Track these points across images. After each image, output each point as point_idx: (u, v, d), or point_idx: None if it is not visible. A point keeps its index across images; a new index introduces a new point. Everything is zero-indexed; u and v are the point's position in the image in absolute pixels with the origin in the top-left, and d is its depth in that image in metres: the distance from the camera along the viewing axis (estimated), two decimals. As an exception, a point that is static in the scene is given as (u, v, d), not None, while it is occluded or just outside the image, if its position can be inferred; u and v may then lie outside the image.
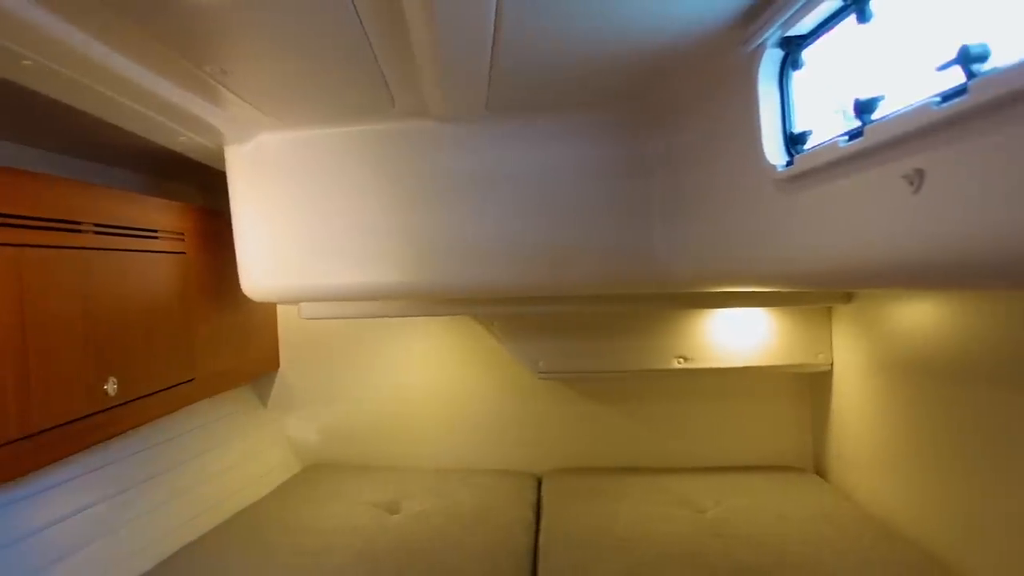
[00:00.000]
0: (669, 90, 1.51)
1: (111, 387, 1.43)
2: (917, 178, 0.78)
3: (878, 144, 0.84)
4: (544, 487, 2.14)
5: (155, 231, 1.69)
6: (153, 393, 1.62)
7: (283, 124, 1.70)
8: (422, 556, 1.64)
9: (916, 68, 0.82)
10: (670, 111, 1.57)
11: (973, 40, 0.71)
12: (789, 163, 1.10)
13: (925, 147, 0.77)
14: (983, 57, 0.69)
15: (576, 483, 2.12)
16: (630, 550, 1.61)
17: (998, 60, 0.69)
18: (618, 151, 1.69)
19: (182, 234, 1.81)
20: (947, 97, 0.72)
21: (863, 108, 0.90)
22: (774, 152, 1.13)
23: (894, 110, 0.83)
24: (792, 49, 1.11)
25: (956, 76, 0.73)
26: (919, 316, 1.60)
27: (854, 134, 0.90)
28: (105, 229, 1.50)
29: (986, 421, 1.35)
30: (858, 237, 0.93)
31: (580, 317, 2.11)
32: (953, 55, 0.71)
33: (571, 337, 2.11)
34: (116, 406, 1.46)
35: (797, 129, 1.11)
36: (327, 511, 1.92)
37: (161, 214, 1.74)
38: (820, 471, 2.19)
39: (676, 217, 1.63)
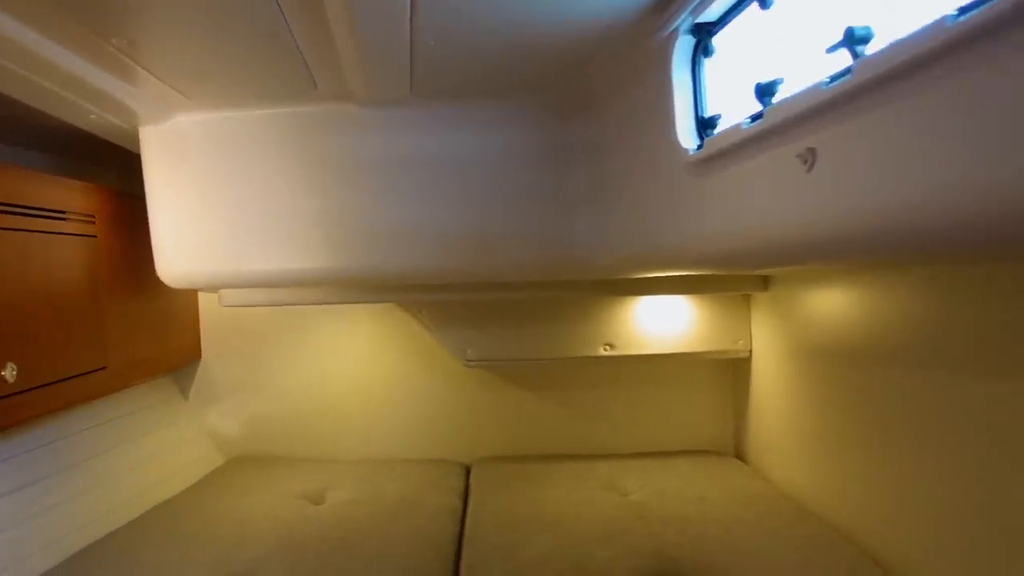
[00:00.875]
0: (591, 78, 1.53)
1: (9, 373, 1.36)
2: (810, 157, 0.82)
3: (775, 125, 0.87)
4: (472, 475, 2.14)
5: (63, 212, 1.62)
6: (59, 381, 1.55)
7: (200, 105, 1.65)
8: (345, 544, 1.62)
9: (812, 52, 0.85)
10: (592, 99, 1.60)
11: (859, 23, 0.74)
12: (700, 147, 1.13)
13: (816, 127, 0.80)
14: (866, 39, 0.73)
15: (504, 470, 2.13)
16: (555, 532, 1.63)
17: (882, 42, 0.72)
18: (542, 138, 1.70)
19: (93, 217, 1.73)
20: (835, 78, 0.75)
21: (763, 91, 0.93)
22: (686, 136, 1.16)
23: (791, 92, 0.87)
24: (703, 36, 1.14)
25: (845, 58, 0.76)
26: (830, 303, 1.67)
27: (756, 116, 0.94)
28: (5, 208, 1.43)
29: (889, 401, 1.42)
30: (761, 217, 0.96)
31: (508, 305, 2.11)
32: (840, 38, 0.75)
33: (499, 325, 2.12)
34: (15, 393, 1.39)
35: (708, 114, 1.14)
36: (248, 503, 1.87)
37: (70, 195, 1.67)
38: (740, 455, 2.26)
39: (598, 204, 1.65)
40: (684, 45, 1.16)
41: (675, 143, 1.18)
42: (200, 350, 2.33)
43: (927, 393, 1.29)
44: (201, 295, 2.33)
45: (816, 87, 0.78)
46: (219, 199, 1.71)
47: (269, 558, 1.53)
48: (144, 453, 2.02)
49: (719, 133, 1.05)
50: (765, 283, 1.97)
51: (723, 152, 1.03)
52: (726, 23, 1.09)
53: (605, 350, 2.12)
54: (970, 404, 1.18)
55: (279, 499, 1.91)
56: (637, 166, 1.41)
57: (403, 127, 1.72)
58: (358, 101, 1.68)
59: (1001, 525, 1.10)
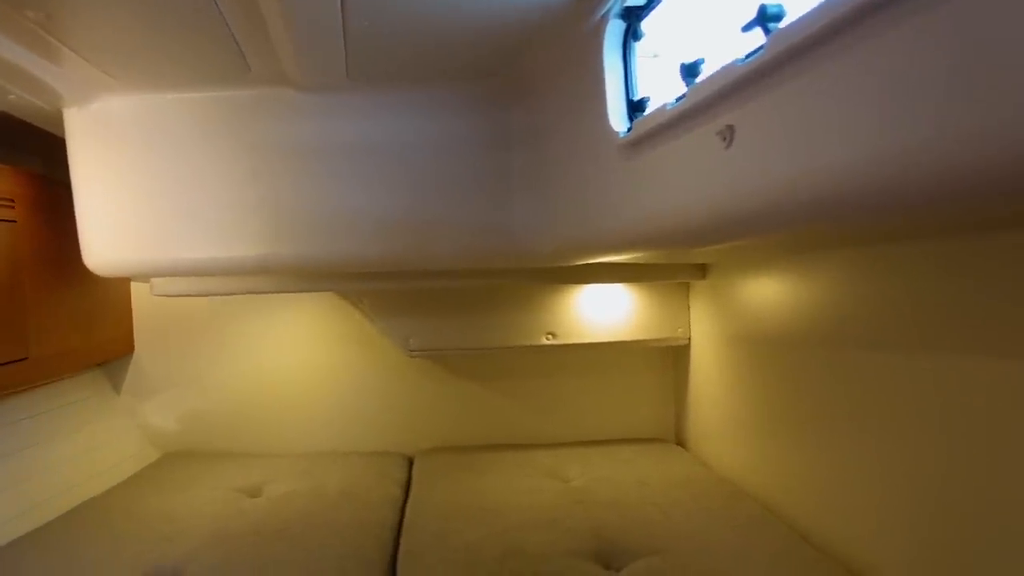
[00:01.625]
0: (528, 65, 1.53)
1: (-81, 362, 1.30)
2: (728, 134, 0.83)
3: (697, 104, 0.89)
4: (415, 466, 2.13)
5: (-22, 196, 1.55)
6: (-25, 371, 1.48)
7: (128, 87, 1.60)
8: (281, 536, 1.59)
9: (733, 32, 0.87)
10: (530, 86, 1.60)
11: (772, 1, 0.76)
12: (630, 129, 1.14)
13: (734, 104, 0.82)
14: (779, 16, 0.75)
15: (447, 460, 2.13)
16: (495, 518, 1.63)
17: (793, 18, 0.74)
18: (481, 126, 1.70)
19: (12, 201, 1.66)
20: (750, 55, 0.77)
21: (688, 71, 0.95)
22: (617, 119, 1.17)
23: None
24: (632, 20, 1.15)
25: (761, 37, 0.78)
26: (765, 290, 1.72)
27: (680, 97, 0.95)
28: (-86, 190, 1.36)
29: (823, 385, 1.46)
30: (687, 196, 0.97)
31: (451, 294, 2.11)
32: (754, 15, 0.77)
33: (442, 314, 2.11)
34: (-74, 383, 1.33)
35: (637, 96, 1.16)
36: (181, 498, 1.82)
37: (-14, 179, 1.60)
38: (681, 441, 2.30)
39: (536, 192, 1.66)
40: (615, 29, 1.17)
41: (607, 127, 1.19)
42: (133, 343, 2.26)
43: (859, 375, 1.33)
44: (134, 286, 2.26)
45: (732, 65, 0.79)
46: (149, 184, 1.67)
47: (200, 551, 1.50)
48: (73, 449, 1.95)
49: (647, 115, 1.06)
50: (703, 271, 2.01)
51: (651, 133, 1.04)
52: (654, 7, 1.10)
53: (547, 339, 2.13)
54: (901, 383, 1.22)
55: (214, 493, 1.86)
56: (573, 152, 1.42)
57: (341, 113, 1.70)
58: (294, 86, 1.65)
59: (935, 500, 1.13)
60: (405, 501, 1.86)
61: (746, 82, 0.78)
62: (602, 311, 2.15)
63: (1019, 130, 0.46)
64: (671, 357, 2.34)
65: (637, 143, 1.10)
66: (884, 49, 0.59)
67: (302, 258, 1.74)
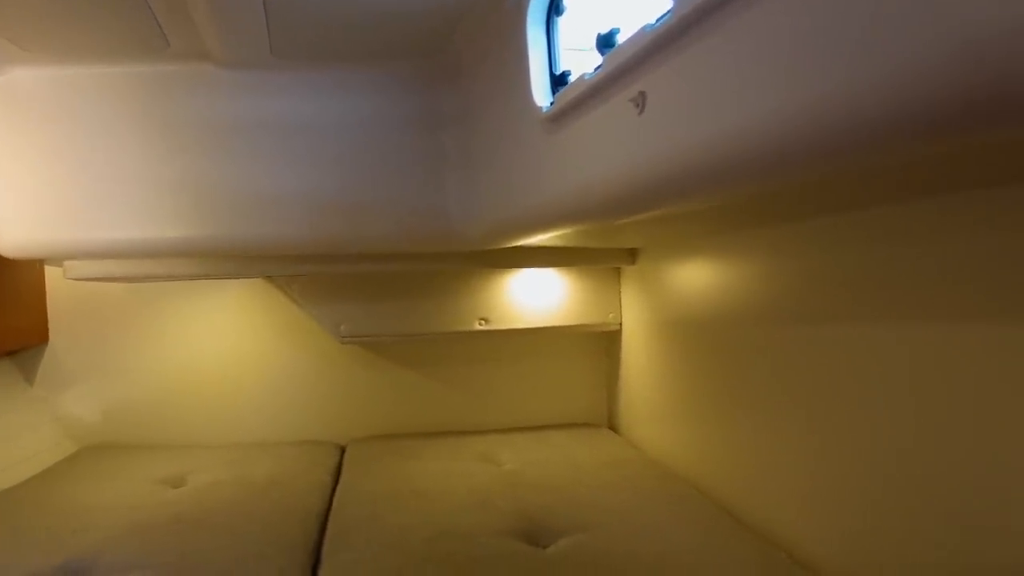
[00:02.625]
0: (456, 44, 1.53)
1: None
2: (641, 100, 0.85)
3: (611, 73, 0.90)
4: (347, 454, 2.10)
5: None
6: None
7: (40, 59, 1.53)
8: (203, 524, 1.54)
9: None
10: (461, 66, 1.60)
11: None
12: (553, 104, 1.15)
13: (646, 70, 0.83)
14: (686, -21, 0.76)
15: (379, 448, 2.10)
16: (424, 502, 1.62)
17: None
18: (412, 106, 1.69)
19: (-91, 177, 1.57)
20: (660, 19, 0.79)
21: (603, 42, 0.96)
22: (541, 94, 1.18)
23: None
24: (555, -5, 1.16)
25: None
26: (690, 274, 1.75)
27: (598, 67, 0.96)
28: None
29: (751, 367, 1.50)
30: (605, 166, 0.99)
31: (383, 279, 2.09)
32: (664, -20, 0.78)
33: (374, 300, 2.09)
34: None
35: (560, 70, 1.16)
36: (98, 489, 1.75)
37: None
38: (613, 426, 2.33)
39: (468, 174, 1.65)
40: (538, 5, 1.18)
41: (532, 102, 1.20)
42: (47, 331, 2.15)
43: (784, 355, 1.37)
44: (49, 273, 2.16)
45: (643, 30, 0.81)
46: (62, 161, 1.60)
47: (116, 541, 1.44)
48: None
49: (566, 87, 1.07)
50: (632, 256, 2.04)
51: (571, 105, 1.05)
52: (575, -20, 1.11)
53: (480, 324, 2.13)
54: (825, 361, 1.25)
55: (134, 485, 1.80)
56: (501, 131, 1.43)
57: (266, 91, 1.66)
58: (217, 62, 1.61)
59: (861, 475, 1.17)
60: (335, 488, 1.83)
61: (655, 47, 0.79)
62: (535, 296, 2.16)
63: (929, 75, 0.47)
64: (603, 342, 2.36)
65: (559, 117, 1.11)
66: (789, 3, 0.60)
67: (226, 240, 1.69)
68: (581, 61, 1.16)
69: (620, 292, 2.21)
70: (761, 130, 0.67)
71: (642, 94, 0.84)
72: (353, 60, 1.64)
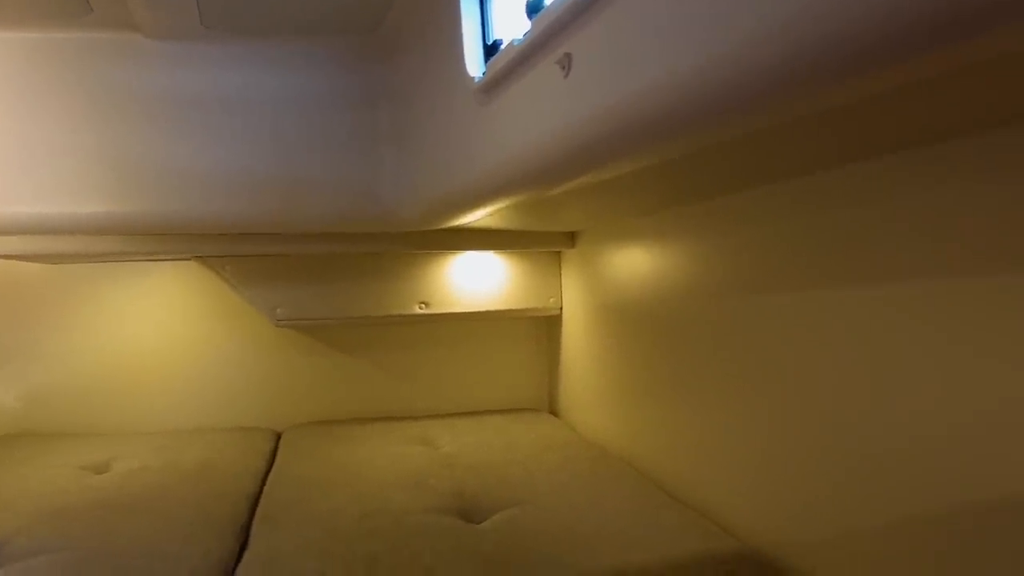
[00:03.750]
0: (392, 19, 1.51)
1: None
2: (567, 62, 0.85)
3: (539, 37, 0.90)
4: (282, 440, 2.06)
5: None
6: None
7: (-50, 21, 1.46)
8: (128, 509, 1.49)
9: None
10: (397, 42, 1.58)
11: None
12: (485, 74, 1.14)
13: (571, 31, 0.83)
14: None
15: (316, 433, 2.07)
16: (358, 483, 1.60)
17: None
18: (348, 82, 1.67)
19: None
20: (584, -20, 0.79)
21: (533, 7, 0.96)
22: (473, 64, 1.17)
23: (553, 3, 0.89)
24: (488, -36, 1.16)
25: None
26: (627, 258, 1.77)
27: (527, 32, 0.96)
28: None
29: (682, 349, 1.52)
30: (535, 133, 0.98)
31: (320, 261, 2.05)
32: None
33: (311, 282, 2.05)
34: None
35: (492, 39, 1.16)
36: (14, 476, 1.68)
37: None
38: (554, 411, 2.35)
39: (403, 153, 1.64)
40: (472, -26, 1.17)
41: (465, 74, 1.19)
42: (-39, 315, 2.05)
43: (718, 334, 1.39)
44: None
45: (568, -9, 0.81)
46: (-28, 130, 1.52)
47: (31, 527, 1.38)
48: None
49: (497, 55, 1.07)
50: (572, 239, 2.06)
51: (502, 74, 1.04)
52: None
53: (420, 308, 2.11)
54: (756, 335, 1.28)
55: (54, 471, 1.72)
56: (437, 106, 1.41)
57: (195, 63, 1.62)
58: (144, 32, 1.56)
59: (789, 446, 1.20)
60: (268, 473, 1.79)
61: (579, 8, 0.79)
62: (476, 280, 2.15)
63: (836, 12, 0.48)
64: (545, 327, 2.37)
65: (491, 87, 1.10)
66: None
67: (152, 217, 1.64)
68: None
69: (560, 276, 2.22)
70: (682, 83, 0.67)
71: (567, 56, 0.84)
72: (287, 34, 1.61)
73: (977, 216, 0.82)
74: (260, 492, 1.64)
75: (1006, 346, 0.79)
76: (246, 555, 1.25)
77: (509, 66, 1.01)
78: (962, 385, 0.85)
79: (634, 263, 1.73)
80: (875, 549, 0.99)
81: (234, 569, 1.22)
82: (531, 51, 0.94)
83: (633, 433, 1.76)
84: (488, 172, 1.19)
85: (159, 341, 2.18)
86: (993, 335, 0.81)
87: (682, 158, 0.96)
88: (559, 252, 2.20)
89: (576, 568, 1.12)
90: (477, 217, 1.55)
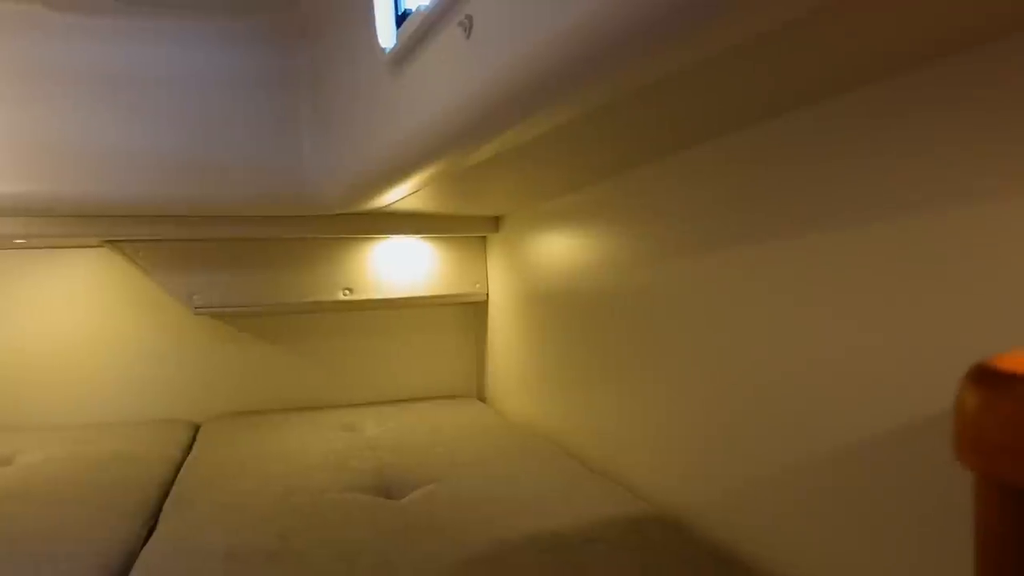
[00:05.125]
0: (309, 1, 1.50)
1: None
2: (468, 23, 0.86)
3: (443, 1, 0.91)
4: (201, 430, 2.00)
5: None
6: None
7: None
8: (32, 497, 1.42)
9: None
10: (313, 19, 1.57)
11: None
12: (396, 44, 1.15)
13: (474, -8, 0.85)
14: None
15: (237, 424, 2.02)
16: (277, 465, 1.58)
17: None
18: (265, 61, 1.65)
19: None
20: (481, -59, 0.81)
21: (438, -27, 0.97)
22: (385, 34, 1.18)
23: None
24: (399, -66, 1.16)
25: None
26: (548, 242, 1.80)
27: (434, -1, 0.97)
28: None
29: (601, 333, 1.54)
30: (445, 100, 1.00)
31: (240, 246, 2.00)
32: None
33: (230, 268, 2.00)
34: None
35: (404, 8, 1.16)
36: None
37: None
38: (481, 397, 2.36)
39: (322, 132, 1.63)
40: (382, -54, 1.18)
41: (377, 46, 1.19)
42: None
43: (637, 313, 1.41)
44: None
45: (467, -48, 0.82)
46: None
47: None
48: None
49: (405, 23, 1.08)
50: (496, 223, 2.08)
51: (411, 42, 1.05)
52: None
53: (344, 295, 2.09)
54: (671, 312, 1.31)
55: (-50, 466, 1.64)
56: (352, 83, 1.41)
57: (105, 38, 1.57)
58: (48, 3, 1.50)
59: (697, 417, 1.24)
60: (183, 462, 1.74)
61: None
62: (401, 266, 2.14)
63: None
64: (473, 314, 2.38)
65: (402, 56, 1.11)
66: None
67: (60, 198, 1.59)
68: None
69: (486, 262, 2.23)
70: (577, 33, 0.69)
71: (468, 17, 0.86)
72: (202, 11, 1.58)
73: (830, 183, 0.87)
74: (174, 480, 1.59)
75: (861, 298, 0.84)
76: (154, 534, 1.22)
77: (417, 33, 1.02)
78: (822, 340, 0.90)
79: (554, 246, 1.76)
80: (758, 497, 1.03)
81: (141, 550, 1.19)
82: (436, 16, 0.95)
83: (558, 416, 1.79)
84: (402, 144, 1.20)
85: (69, 332, 2.09)
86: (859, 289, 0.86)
87: (592, 124, 0.98)
88: (484, 238, 2.21)
89: (490, 534, 1.13)
90: (399, 195, 1.55)
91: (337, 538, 1.15)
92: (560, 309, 1.76)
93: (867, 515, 0.85)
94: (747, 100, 0.91)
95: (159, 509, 1.40)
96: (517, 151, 1.12)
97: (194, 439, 1.94)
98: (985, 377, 0.41)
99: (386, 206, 1.72)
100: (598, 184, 1.50)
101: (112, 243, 1.90)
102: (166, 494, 1.49)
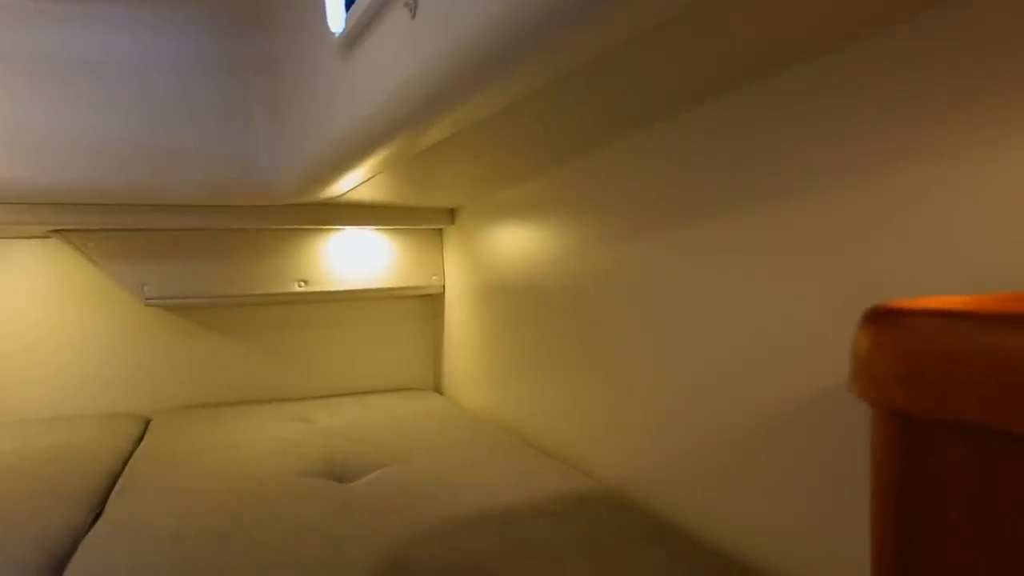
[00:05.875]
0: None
1: None
2: (413, 3, 0.88)
3: (389, -21, 0.93)
4: (151, 424, 1.97)
5: None
6: None
7: None
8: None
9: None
10: (266, 6, 1.57)
11: None
12: (345, 28, 1.16)
13: (418, -27, 0.87)
14: None
15: (189, 417, 2.00)
16: (229, 452, 1.57)
17: None
18: (218, 49, 1.64)
19: None
20: (425, -79, 0.83)
21: (385, -45, 0.99)
22: (335, 18, 1.19)
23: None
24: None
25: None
26: (503, 233, 1.82)
27: (381, -20, 0.99)
28: None
29: (555, 323, 1.57)
30: (394, 81, 1.01)
31: (192, 237, 1.98)
32: None
33: (182, 259, 1.98)
34: None
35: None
36: None
37: None
38: (438, 389, 2.37)
39: (276, 121, 1.63)
40: (334, -68, 1.19)
41: (328, 31, 1.20)
42: None
43: (590, 303, 1.44)
44: None
45: (412, -68, 0.84)
46: None
47: None
48: None
49: (354, 5, 1.09)
50: (452, 215, 2.09)
51: (360, 24, 1.07)
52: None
53: (299, 286, 2.09)
54: (622, 301, 1.34)
55: None
56: (304, 69, 1.42)
57: (56, 21, 1.55)
58: (-7, -14, 1.47)
59: (644, 401, 1.27)
60: (133, 454, 1.72)
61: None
62: (356, 258, 2.14)
63: None
64: (429, 306, 2.39)
65: (351, 40, 1.12)
66: None
67: (6, 184, 1.55)
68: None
69: (442, 254, 2.24)
70: (520, 10, 0.71)
71: (414, -3, 0.88)
72: (153, -4, 1.57)
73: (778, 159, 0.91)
74: (122, 471, 1.57)
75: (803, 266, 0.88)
76: (100, 519, 1.20)
77: (365, 16, 1.03)
78: (753, 317, 0.94)
79: (507, 238, 1.78)
80: (694, 470, 1.07)
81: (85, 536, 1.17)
82: (384, -2, 0.97)
83: (513, 405, 1.81)
84: (354, 129, 1.21)
85: (15, 324, 2.04)
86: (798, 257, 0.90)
87: (536, 106, 1.01)
88: (441, 230, 2.22)
89: (439, 511, 1.14)
90: (353, 183, 1.56)
91: (286, 518, 1.15)
92: (514, 300, 1.78)
93: (789, 476, 0.89)
94: (682, 82, 0.95)
95: (106, 497, 1.39)
96: (466, 134, 1.15)
97: (144, 432, 1.91)
98: (878, 316, 0.45)
99: (341, 195, 1.72)
100: (547, 173, 1.53)
101: (60, 233, 1.87)
102: (114, 483, 1.47)
